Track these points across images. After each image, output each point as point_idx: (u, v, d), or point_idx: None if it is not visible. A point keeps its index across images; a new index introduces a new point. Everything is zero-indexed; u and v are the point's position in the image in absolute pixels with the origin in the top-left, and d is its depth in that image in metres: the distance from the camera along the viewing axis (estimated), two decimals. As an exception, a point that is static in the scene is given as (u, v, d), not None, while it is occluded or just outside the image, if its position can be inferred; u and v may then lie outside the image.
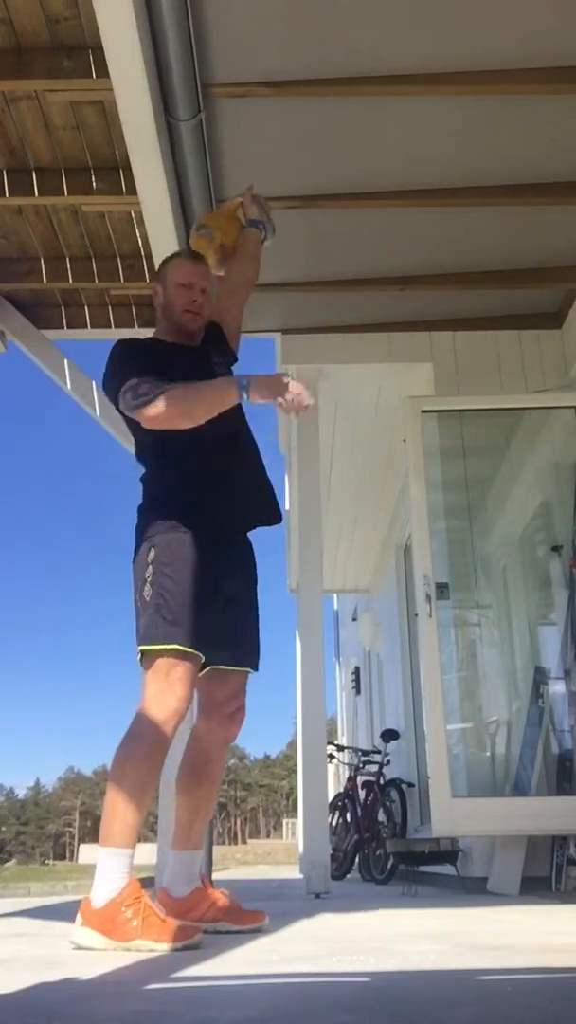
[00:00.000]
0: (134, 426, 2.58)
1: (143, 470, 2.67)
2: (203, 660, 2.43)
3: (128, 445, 5.11)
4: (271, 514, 2.67)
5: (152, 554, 2.43)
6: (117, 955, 2.00)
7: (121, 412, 2.54)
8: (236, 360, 2.89)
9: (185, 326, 2.72)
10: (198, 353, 2.73)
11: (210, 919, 2.43)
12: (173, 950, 2.04)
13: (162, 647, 2.34)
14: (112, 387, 2.52)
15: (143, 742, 2.29)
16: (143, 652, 2.38)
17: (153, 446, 2.62)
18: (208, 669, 2.52)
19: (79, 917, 2.18)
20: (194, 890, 2.49)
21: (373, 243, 4.53)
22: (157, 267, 2.90)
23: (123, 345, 2.64)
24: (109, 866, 2.20)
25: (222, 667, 2.54)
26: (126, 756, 2.28)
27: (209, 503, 2.52)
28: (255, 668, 2.62)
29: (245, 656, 2.59)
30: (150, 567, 2.42)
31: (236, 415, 2.64)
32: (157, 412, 2.39)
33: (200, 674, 2.48)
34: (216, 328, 2.84)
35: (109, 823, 2.24)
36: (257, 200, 3.12)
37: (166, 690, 2.31)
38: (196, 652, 2.38)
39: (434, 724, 4.20)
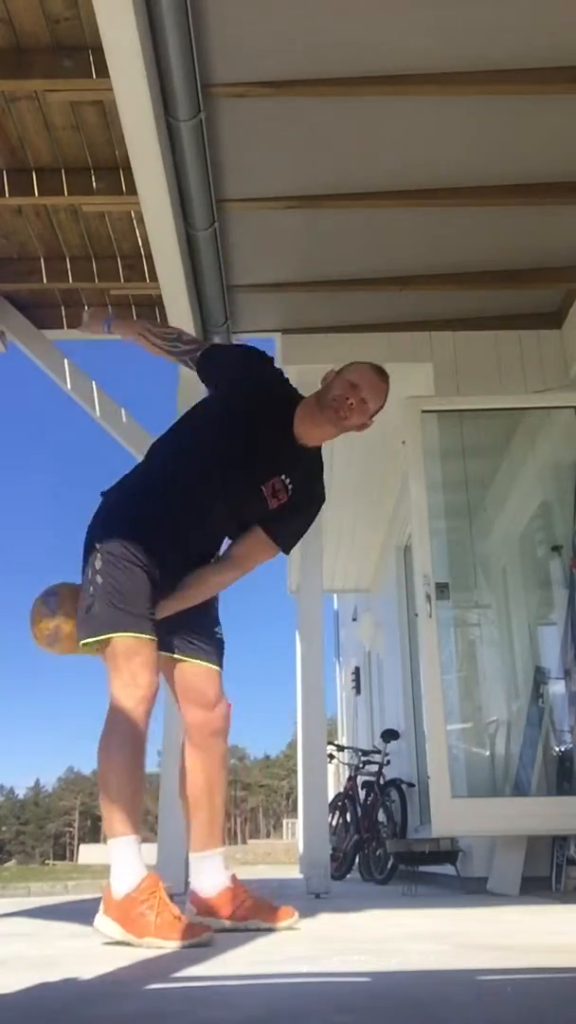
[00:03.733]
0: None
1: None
2: (156, 643, 2.41)
3: (127, 445, 5.14)
4: None
5: (103, 543, 2.42)
6: (117, 955, 2.00)
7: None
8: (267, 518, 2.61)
9: (326, 411, 2.57)
10: (272, 421, 2.60)
11: (241, 917, 2.46)
12: (182, 947, 2.07)
13: (117, 635, 2.34)
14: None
15: (117, 734, 2.32)
16: (93, 643, 2.36)
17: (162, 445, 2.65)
18: (166, 657, 2.52)
19: (102, 905, 2.24)
20: (223, 889, 2.51)
21: (373, 243, 4.53)
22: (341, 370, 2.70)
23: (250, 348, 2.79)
24: (120, 855, 2.24)
25: (180, 658, 2.55)
26: (104, 750, 2.32)
27: (168, 521, 2.49)
28: (217, 665, 2.60)
29: (204, 653, 2.58)
30: (96, 555, 2.41)
31: (228, 517, 2.59)
32: None
33: (162, 662, 2.48)
34: (314, 461, 2.69)
35: (109, 816, 2.28)
36: None
37: (130, 680, 2.32)
38: (152, 637, 2.37)
39: (434, 724, 4.19)
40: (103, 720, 2.35)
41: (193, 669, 2.58)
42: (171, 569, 2.49)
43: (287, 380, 2.74)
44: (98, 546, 2.42)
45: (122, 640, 2.34)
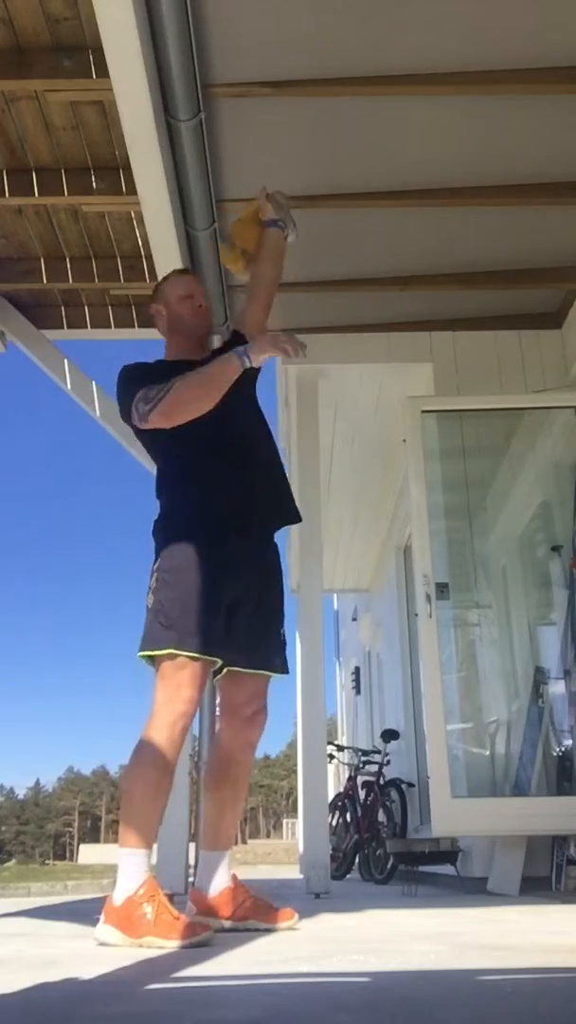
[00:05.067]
0: (146, 440, 2.64)
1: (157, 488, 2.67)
2: (218, 663, 2.46)
3: (128, 445, 5.14)
4: (289, 514, 2.70)
5: (156, 563, 2.48)
6: (117, 955, 2.00)
7: (137, 432, 2.58)
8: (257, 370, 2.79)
9: (196, 330, 2.77)
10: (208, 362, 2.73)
11: (240, 917, 2.48)
12: (182, 947, 2.07)
13: (158, 652, 2.37)
14: (125, 405, 2.55)
15: (151, 747, 2.33)
16: (144, 658, 2.41)
17: (164, 455, 2.65)
18: (226, 671, 2.53)
19: (102, 915, 2.25)
20: (225, 888, 2.53)
21: (373, 243, 4.53)
22: (152, 293, 2.90)
23: (129, 368, 2.64)
24: (128, 866, 2.26)
25: (236, 669, 2.54)
26: (136, 761, 2.34)
27: (216, 505, 2.53)
28: (277, 671, 2.61)
29: (262, 659, 2.58)
30: (153, 576, 2.47)
31: (250, 416, 2.68)
32: (171, 406, 2.43)
33: (218, 677, 2.52)
34: (239, 338, 2.84)
35: (125, 825, 2.30)
36: (273, 198, 3.05)
37: (172, 696, 2.35)
38: (200, 656, 2.38)
39: (434, 724, 4.20)
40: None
41: (253, 679, 2.58)
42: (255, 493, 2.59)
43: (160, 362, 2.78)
44: (156, 563, 2.47)
45: (166, 656, 2.36)
